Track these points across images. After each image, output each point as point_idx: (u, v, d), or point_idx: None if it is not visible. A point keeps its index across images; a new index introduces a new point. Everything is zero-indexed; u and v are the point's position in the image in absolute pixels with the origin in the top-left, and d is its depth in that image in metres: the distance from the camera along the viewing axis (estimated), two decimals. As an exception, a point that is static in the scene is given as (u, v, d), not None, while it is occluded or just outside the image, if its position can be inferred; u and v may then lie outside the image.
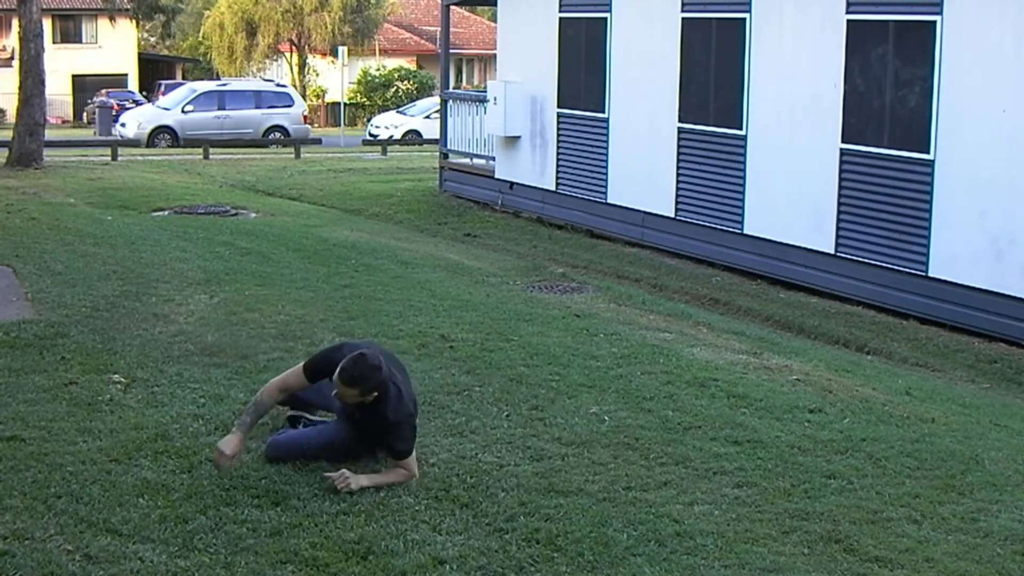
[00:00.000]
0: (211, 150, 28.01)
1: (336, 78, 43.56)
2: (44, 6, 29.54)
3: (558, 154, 17.70)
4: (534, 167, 18.28)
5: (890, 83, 12.28)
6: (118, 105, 40.92)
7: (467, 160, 20.61)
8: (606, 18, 16.49)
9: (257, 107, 34.20)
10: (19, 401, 6.55)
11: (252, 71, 50.93)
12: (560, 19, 17.44)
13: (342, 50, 38.29)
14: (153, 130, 32.82)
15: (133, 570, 4.63)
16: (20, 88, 21.80)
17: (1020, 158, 11.11)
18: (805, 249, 13.48)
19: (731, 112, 14.37)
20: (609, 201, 16.65)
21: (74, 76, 50.47)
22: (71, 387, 6.84)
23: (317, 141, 33.63)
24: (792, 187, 13.59)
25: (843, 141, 12.85)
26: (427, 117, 35.12)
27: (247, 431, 5.62)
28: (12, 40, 39.88)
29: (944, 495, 5.82)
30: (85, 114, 46.57)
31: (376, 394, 5.45)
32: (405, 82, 50.13)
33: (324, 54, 51.36)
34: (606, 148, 16.67)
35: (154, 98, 42.25)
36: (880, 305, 12.57)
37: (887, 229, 12.46)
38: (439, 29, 29.16)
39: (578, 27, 17.13)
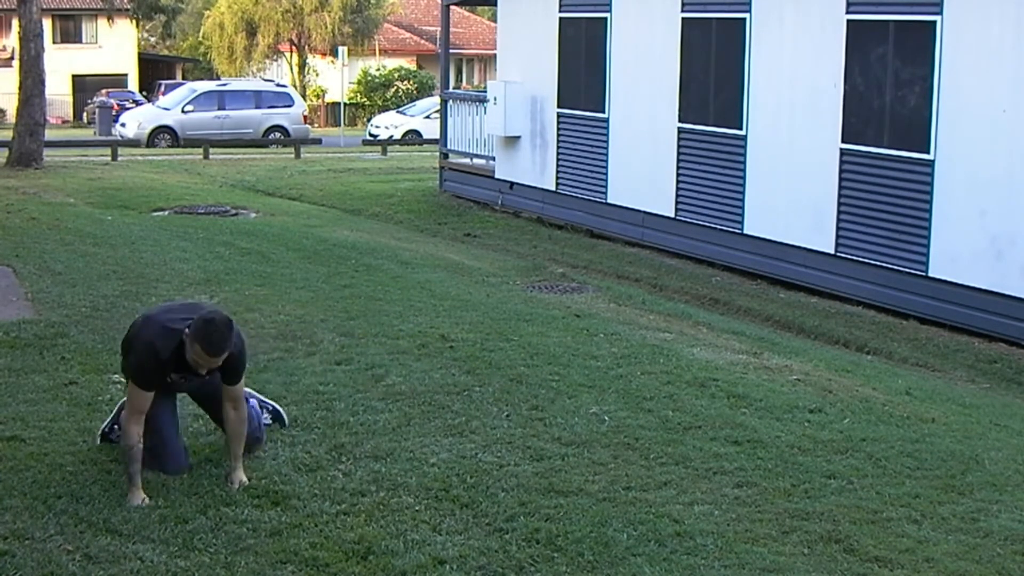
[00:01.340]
0: (211, 150, 28.01)
1: (336, 78, 43.55)
2: (44, 6, 29.54)
3: (558, 154, 17.70)
4: (534, 167, 18.28)
5: (890, 83, 12.28)
6: (118, 105, 40.88)
7: (467, 160, 20.61)
8: (606, 18, 16.49)
9: (257, 107, 34.18)
10: (19, 401, 6.56)
11: (252, 71, 50.89)
12: (560, 19, 17.44)
13: (342, 50, 38.27)
14: (153, 130, 32.79)
15: (133, 570, 4.63)
16: (20, 88, 21.80)
17: (1020, 158, 11.11)
18: (805, 249, 13.48)
19: (731, 112, 14.37)
20: (609, 201, 16.65)
21: (74, 76, 50.46)
22: (71, 387, 6.84)
23: (317, 141, 33.62)
24: (792, 187, 13.59)
25: (843, 141, 12.85)
26: (427, 117, 35.10)
27: (139, 479, 5.29)
28: (12, 40, 39.87)
29: (944, 495, 5.82)
30: (85, 114, 46.56)
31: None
32: (405, 82, 50.11)
33: (324, 54, 51.33)
34: (606, 148, 16.66)
35: (154, 98, 42.23)
36: (880, 305, 12.57)
37: (887, 229, 12.45)
38: (439, 29, 29.15)
39: (578, 27, 17.13)
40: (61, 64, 45.12)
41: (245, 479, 5.52)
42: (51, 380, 6.95)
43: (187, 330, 5.25)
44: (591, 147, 16.97)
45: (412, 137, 35.28)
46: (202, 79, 46.02)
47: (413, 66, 53.43)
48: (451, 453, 6.02)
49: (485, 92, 20.01)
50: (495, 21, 21.96)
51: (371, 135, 36.54)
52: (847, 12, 12.75)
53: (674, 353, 8.50)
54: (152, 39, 57.16)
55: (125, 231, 13.27)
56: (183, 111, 33.39)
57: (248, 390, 5.95)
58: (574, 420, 6.64)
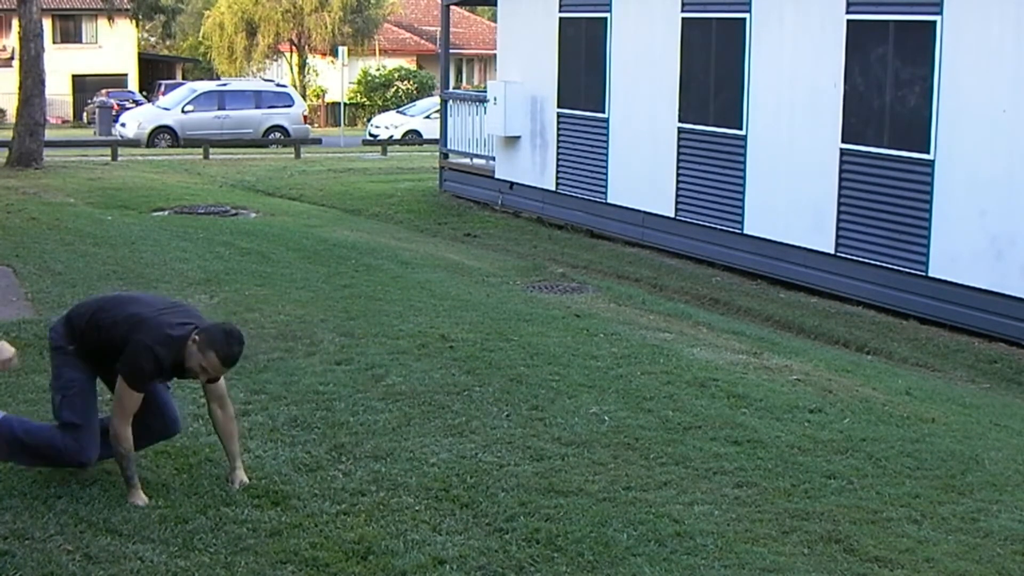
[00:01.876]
0: (211, 150, 28.01)
1: (336, 78, 43.55)
2: (44, 6, 29.54)
3: (558, 154, 17.70)
4: (534, 167, 18.28)
5: (890, 83, 12.28)
6: (118, 105, 40.89)
7: (467, 160, 20.61)
8: (606, 18, 16.49)
9: (257, 107, 34.18)
10: (19, 401, 6.56)
11: (252, 71, 50.90)
12: (560, 19, 17.44)
13: (342, 50, 38.28)
14: (153, 130, 32.79)
15: (133, 570, 4.63)
16: (20, 88, 21.80)
17: (1020, 158, 11.11)
18: (805, 249, 13.48)
19: (731, 112, 14.37)
20: (609, 201, 16.65)
21: (74, 76, 50.46)
22: (71, 387, 6.83)
23: (317, 141, 33.62)
24: (792, 187, 13.59)
25: (843, 141, 12.85)
26: (427, 117, 35.10)
27: (137, 480, 5.29)
28: (12, 40, 39.88)
29: (944, 495, 5.82)
30: (85, 114, 46.56)
31: None
32: (405, 82, 50.12)
33: (324, 54, 51.35)
34: (606, 148, 16.66)
35: (154, 98, 42.24)
36: (880, 305, 12.57)
37: (887, 229, 12.46)
38: (439, 29, 29.16)
39: (578, 27, 17.13)
40: (61, 64, 45.11)
41: (246, 479, 5.51)
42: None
43: (196, 338, 5.19)
44: (591, 147, 16.97)
45: (412, 137, 35.28)
46: (202, 79, 46.03)
47: (413, 66, 53.43)
48: (451, 453, 6.02)
49: (485, 92, 20.01)
50: (495, 21, 21.95)
51: (371, 135, 36.55)
52: (847, 12, 12.75)
53: (674, 353, 8.50)
54: (152, 39, 57.08)
55: (125, 231, 13.27)
56: (183, 111, 33.39)
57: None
58: (574, 420, 6.64)
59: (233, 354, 5.25)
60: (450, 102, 21.22)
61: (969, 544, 5.20)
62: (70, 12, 51.71)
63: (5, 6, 47.36)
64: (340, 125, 40.25)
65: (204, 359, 5.18)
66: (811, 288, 13.39)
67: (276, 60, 53.35)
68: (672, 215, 15.47)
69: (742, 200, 14.31)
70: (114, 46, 51.21)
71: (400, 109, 40.49)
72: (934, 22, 11.74)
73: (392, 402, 6.83)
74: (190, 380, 5.54)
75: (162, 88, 44.73)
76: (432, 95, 40.06)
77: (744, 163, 14.25)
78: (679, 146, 15.27)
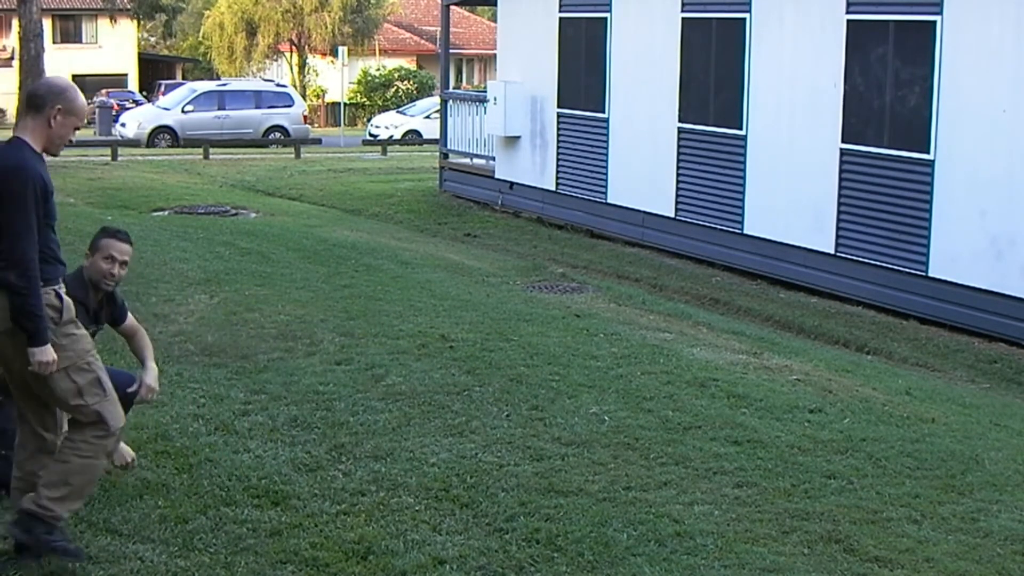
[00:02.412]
0: (211, 150, 28.01)
1: (336, 78, 43.55)
2: (44, 6, 29.61)
3: (558, 154, 17.70)
4: (534, 167, 18.28)
5: (890, 83, 12.28)
6: (118, 105, 40.90)
7: (467, 160, 20.61)
8: (606, 18, 16.49)
9: (257, 107, 34.18)
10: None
11: (252, 71, 50.89)
12: (560, 19, 17.44)
13: (342, 50, 38.28)
14: (153, 130, 32.80)
15: (133, 570, 4.63)
16: (20, 88, 21.81)
17: (1020, 158, 11.11)
18: (805, 249, 13.48)
19: (731, 112, 14.36)
20: (609, 201, 16.65)
21: (74, 76, 50.24)
22: (71, 387, 6.82)
23: (317, 141, 33.61)
24: (792, 187, 13.59)
25: (843, 141, 12.85)
26: (427, 117, 35.10)
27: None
28: (12, 40, 39.89)
29: (944, 495, 5.82)
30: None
31: None
32: (405, 82, 50.12)
33: (324, 54, 51.34)
34: (606, 148, 16.66)
35: (154, 98, 42.23)
36: (880, 305, 12.57)
37: (887, 229, 12.46)
38: (439, 29, 29.16)
39: (578, 27, 17.13)
40: (61, 64, 45.01)
41: (155, 384, 5.36)
42: (51, 380, 6.94)
43: (85, 256, 5.41)
44: (591, 147, 16.97)
45: (412, 137, 35.28)
46: (202, 79, 46.01)
47: (413, 66, 53.43)
48: (451, 453, 6.02)
49: (485, 92, 20.01)
50: (495, 21, 21.96)
51: (371, 135, 36.54)
52: (847, 12, 12.75)
53: (674, 353, 8.49)
54: (152, 39, 57.15)
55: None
56: (183, 111, 33.39)
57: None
58: (574, 420, 6.64)
59: (120, 229, 5.48)
60: (450, 102, 21.22)
61: (969, 544, 5.20)
62: (70, 12, 51.71)
63: (5, 6, 47.36)
64: (340, 125, 40.25)
65: (103, 251, 5.39)
66: (811, 288, 13.39)
67: (276, 60, 53.33)
68: (672, 215, 15.47)
69: (742, 200, 14.31)
70: (114, 46, 51.21)
71: (400, 109, 40.48)
72: (934, 22, 11.74)
73: (392, 402, 6.83)
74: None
75: (162, 88, 44.72)
76: (432, 95, 40.05)
77: (744, 163, 14.25)
78: (679, 146, 15.27)
